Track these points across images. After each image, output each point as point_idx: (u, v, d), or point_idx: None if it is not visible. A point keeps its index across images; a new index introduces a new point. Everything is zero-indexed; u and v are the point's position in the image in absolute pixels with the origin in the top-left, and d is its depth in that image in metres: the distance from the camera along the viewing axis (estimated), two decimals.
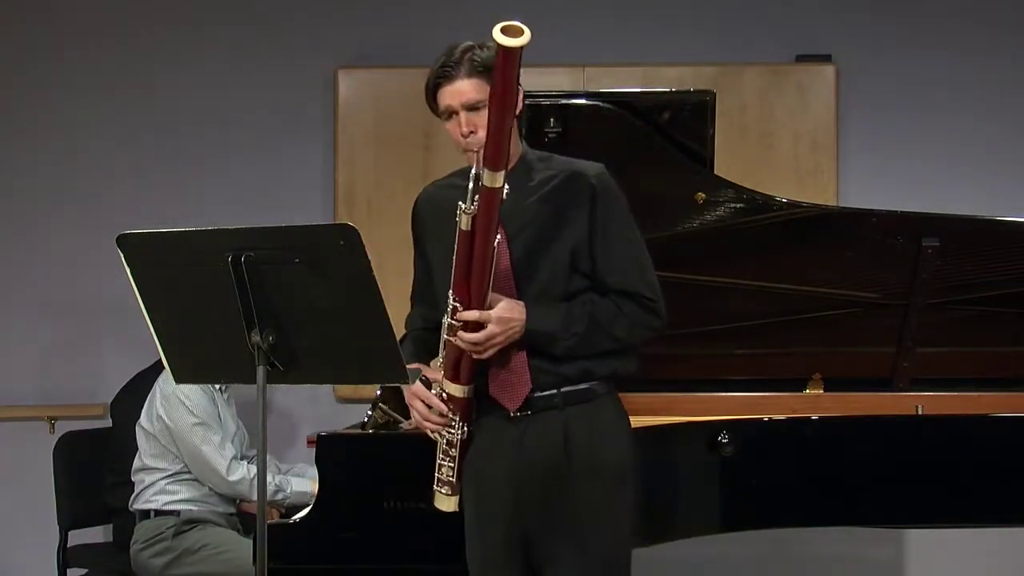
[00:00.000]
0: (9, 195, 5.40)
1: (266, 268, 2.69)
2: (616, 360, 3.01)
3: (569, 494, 2.93)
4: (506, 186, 2.78)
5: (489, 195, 2.76)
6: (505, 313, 2.86)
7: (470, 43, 2.92)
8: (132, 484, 4.41)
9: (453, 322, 2.86)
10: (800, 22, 5.38)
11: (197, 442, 4.23)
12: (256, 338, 2.72)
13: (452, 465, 2.97)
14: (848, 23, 5.38)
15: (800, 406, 4.07)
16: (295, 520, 3.53)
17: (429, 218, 3.05)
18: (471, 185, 2.77)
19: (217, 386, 4.35)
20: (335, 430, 3.78)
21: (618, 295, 2.97)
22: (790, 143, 5.27)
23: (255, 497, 4.18)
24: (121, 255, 2.78)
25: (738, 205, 3.93)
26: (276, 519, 3.89)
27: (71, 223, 5.35)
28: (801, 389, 4.20)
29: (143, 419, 4.35)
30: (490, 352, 2.88)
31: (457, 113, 2.90)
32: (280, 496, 4.23)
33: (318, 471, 3.51)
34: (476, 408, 2.98)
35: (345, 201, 5.31)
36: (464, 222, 2.79)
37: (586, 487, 2.93)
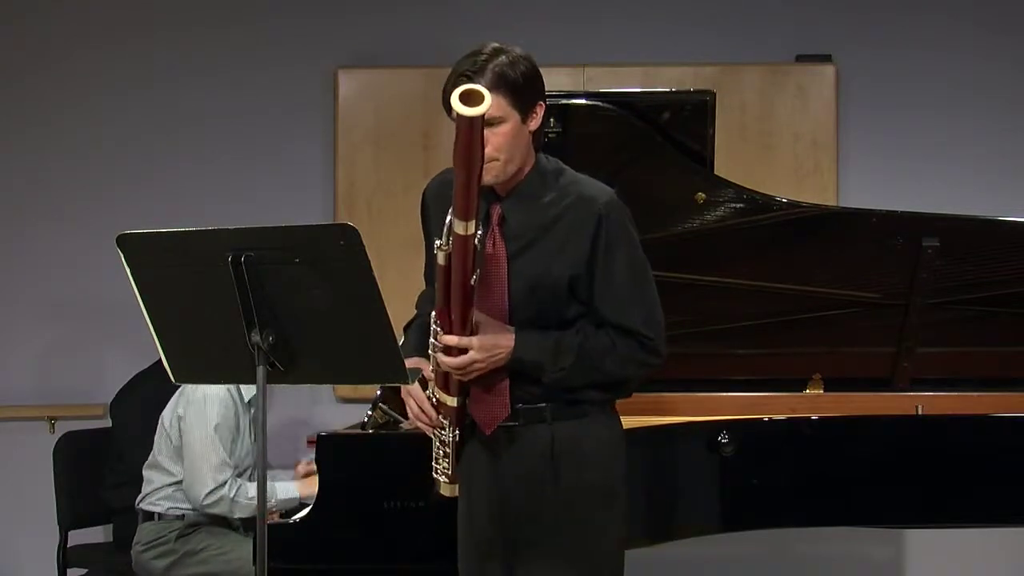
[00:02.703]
0: (9, 195, 5.40)
1: (266, 268, 2.69)
2: (610, 391, 2.97)
3: (553, 511, 2.90)
4: (479, 233, 2.74)
5: (461, 242, 2.73)
6: (489, 340, 2.83)
7: (497, 48, 2.83)
8: (132, 484, 4.39)
9: (436, 343, 2.84)
10: (800, 22, 5.38)
11: (197, 453, 4.17)
12: (256, 338, 2.71)
13: (448, 460, 2.97)
14: (848, 23, 5.38)
15: (800, 406, 4.07)
16: (295, 520, 3.53)
17: (436, 209, 2.99)
18: (448, 220, 2.73)
19: (247, 399, 4.29)
20: (335, 430, 3.78)
21: (615, 330, 2.89)
22: (790, 143, 5.27)
23: (236, 515, 4.19)
24: (121, 255, 2.78)
25: (738, 205, 3.93)
26: (276, 519, 3.89)
27: (71, 223, 5.35)
28: (801, 389, 4.20)
29: (165, 415, 4.30)
30: (472, 376, 2.86)
31: None
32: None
33: (318, 471, 3.51)
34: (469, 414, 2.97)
35: (345, 201, 5.31)
36: (440, 258, 2.77)
37: (571, 506, 2.90)
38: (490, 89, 2.73)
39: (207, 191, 5.35)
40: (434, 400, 2.93)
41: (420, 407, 2.95)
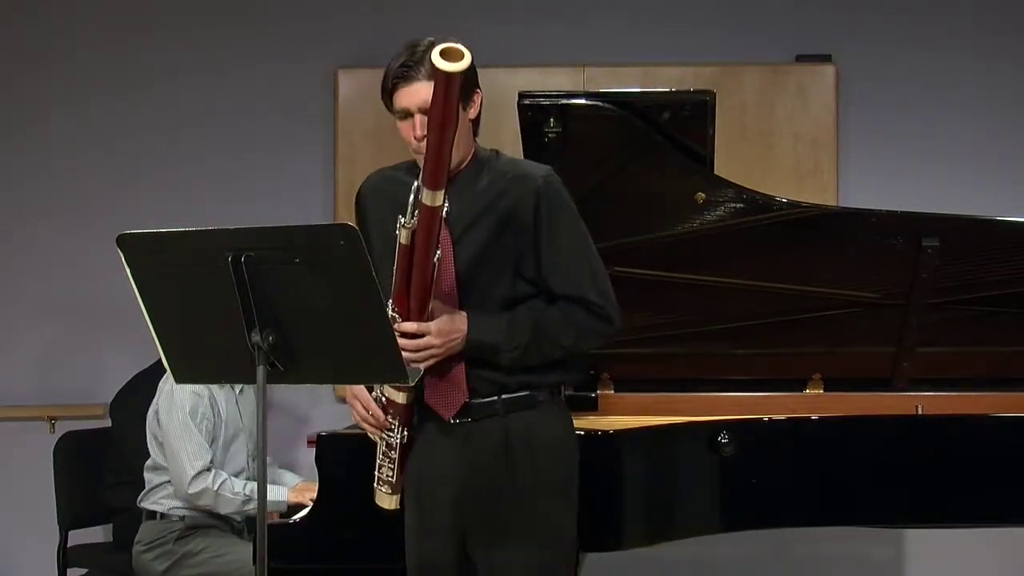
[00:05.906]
0: (9, 195, 5.41)
1: (266, 268, 2.69)
2: (560, 372, 2.99)
3: (508, 506, 2.90)
4: (446, 205, 2.77)
5: (428, 213, 2.74)
6: (446, 326, 2.85)
7: (432, 41, 2.85)
8: (132, 484, 4.40)
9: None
10: (800, 22, 5.38)
11: (173, 442, 4.17)
12: (256, 338, 2.71)
13: (392, 467, 2.96)
14: (848, 23, 5.38)
15: (800, 406, 4.07)
16: (295, 520, 3.53)
17: (373, 208, 3.01)
18: (412, 198, 2.76)
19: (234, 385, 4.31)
20: (335, 430, 3.78)
21: (565, 302, 2.92)
22: (790, 143, 5.27)
23: (221, 510, 4.17)
24: (121, 255, 2.78)
25: (738, 205, 3.92)
26: (276, 519, 3.89)
27: (71, 223, 5.35)
28: (801, 389, 4.20)
29: (149, 415, 4.33)
30: (429, 363, 2.86)
31: (412, 115, 2.86)
32: (250, 507, 4.13)
33: (318, 471, 3.51)
34: (417, 413, 2.96)
35: (345, 201, 5.30)
36: (403, 236, 2.78)
37: (526, 501, 2.90)
38: (429, 79, 2.78)
39: (207, 191, 5.35)
40: (383, 399, 2.93)
41: (366, 408, 2.95)
